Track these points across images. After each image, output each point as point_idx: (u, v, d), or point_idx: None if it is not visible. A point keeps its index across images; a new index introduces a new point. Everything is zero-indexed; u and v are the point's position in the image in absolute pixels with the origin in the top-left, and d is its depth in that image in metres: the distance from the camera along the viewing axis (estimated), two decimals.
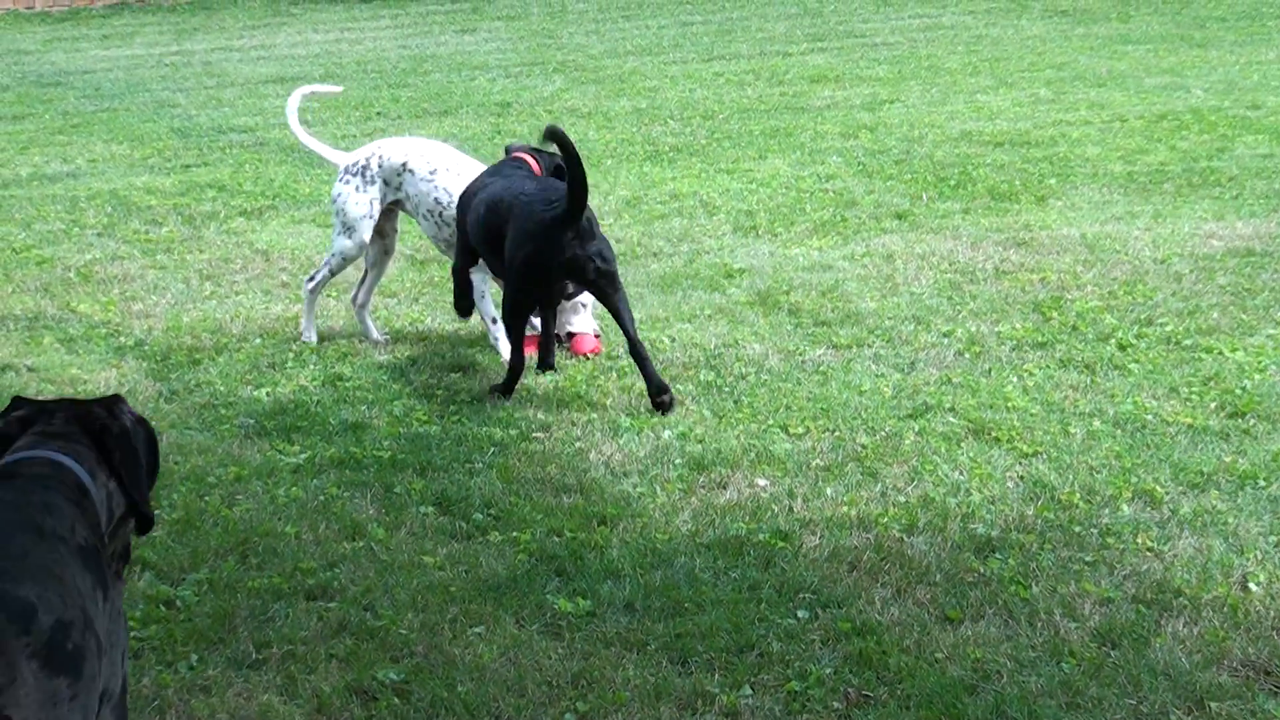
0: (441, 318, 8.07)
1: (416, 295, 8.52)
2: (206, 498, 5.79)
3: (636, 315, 6.93)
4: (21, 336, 7.80)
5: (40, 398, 3.47)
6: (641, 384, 6.66)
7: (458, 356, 7.43)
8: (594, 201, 10.60)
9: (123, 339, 7.80)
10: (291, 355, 7.51)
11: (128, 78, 16.36)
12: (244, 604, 4.90)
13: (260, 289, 8.70)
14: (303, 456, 6.20)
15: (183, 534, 5.45)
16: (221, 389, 7.06)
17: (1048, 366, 7.01)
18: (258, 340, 7.76)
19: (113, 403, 3.31)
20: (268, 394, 6.98)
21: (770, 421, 6.44)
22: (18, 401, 3.25)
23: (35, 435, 3.13)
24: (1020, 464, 5.92)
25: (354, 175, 7.63)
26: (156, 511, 5.57)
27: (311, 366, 7.35)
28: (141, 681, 4.44)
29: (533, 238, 6.48)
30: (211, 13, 21.36)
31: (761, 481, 5.83)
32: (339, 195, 7.68)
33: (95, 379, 7.16)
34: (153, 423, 6.35)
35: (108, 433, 3.20)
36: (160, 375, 7.26)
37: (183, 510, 5.66)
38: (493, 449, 6.21)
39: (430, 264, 9.10)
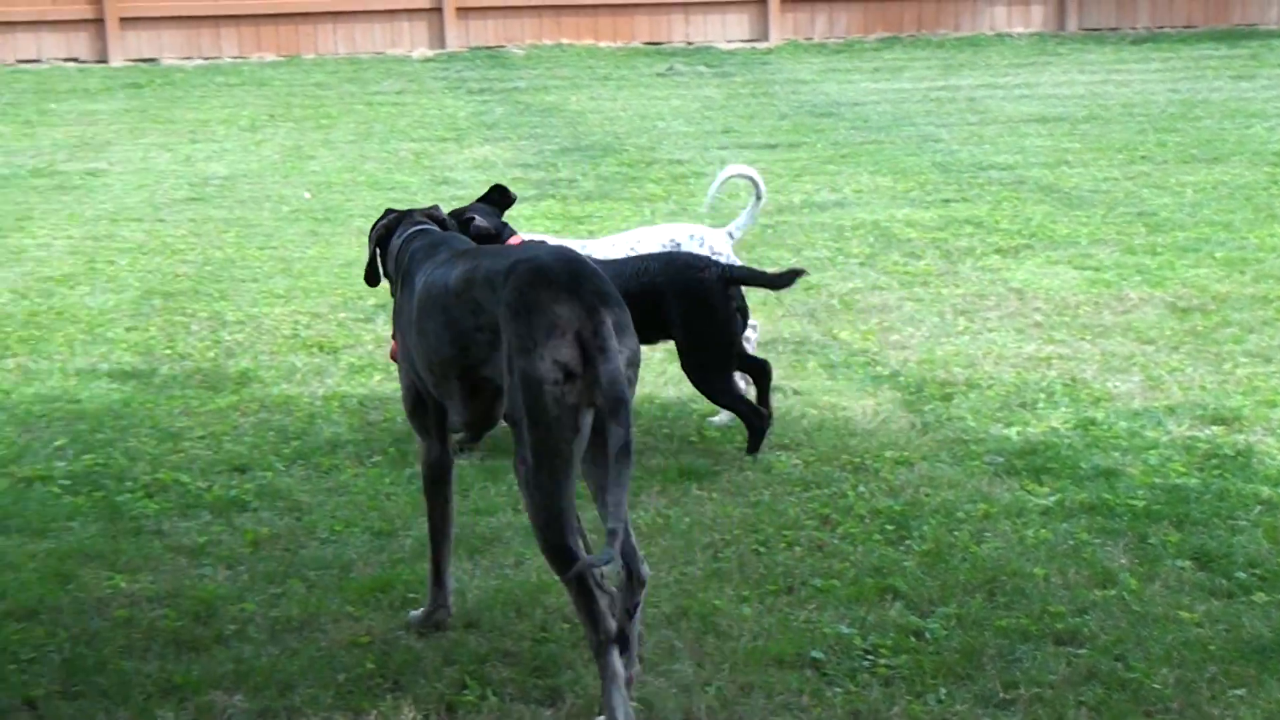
0: (1203, 369, 7.80)
1: (1177, 344, 8.26)
2: (955, 532, 5.84)
3: None
4: (789, 359, 8.14)
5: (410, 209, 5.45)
6: None
7: (1220, 409, 7.14)
8: None
9: (879, 368, 7.99)
10: (1043, 396, 7.45)
11: (894, 111, 16.78)
12: (991, 642, 4.91)
13: (1013, 327, 8.70)
14: (1052, 499, 6.15)
15: (932, 567, 5.53)
16: (972, 424, 7.11)
17: None
18: (1009, 378, 7.75)
19: (434, 208, 5.49)
20: (1018, 433, 6.96)
21: None
22: (388, 210, 5.44)
23: (408, 221, 5.33)
24: None
25: None
26: (908, 542, 5.76)
27: (1063, 409, 7.27)
28: (892, 710, 4.54)
29: None
30: (979, 49, 21.58)
31: None
32: None
33: (852, 406, 7.37)
34: (905, 454, 6.54)
35: (439, 219, 5.40)
36: (913, 407, 7.38)
37: (932, 543, 5.74)
38: (1259, 507, 5.93)
39: (1193, 313, 8.82)
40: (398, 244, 5.21)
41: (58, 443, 6.89)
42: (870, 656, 4.87)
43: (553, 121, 16.51)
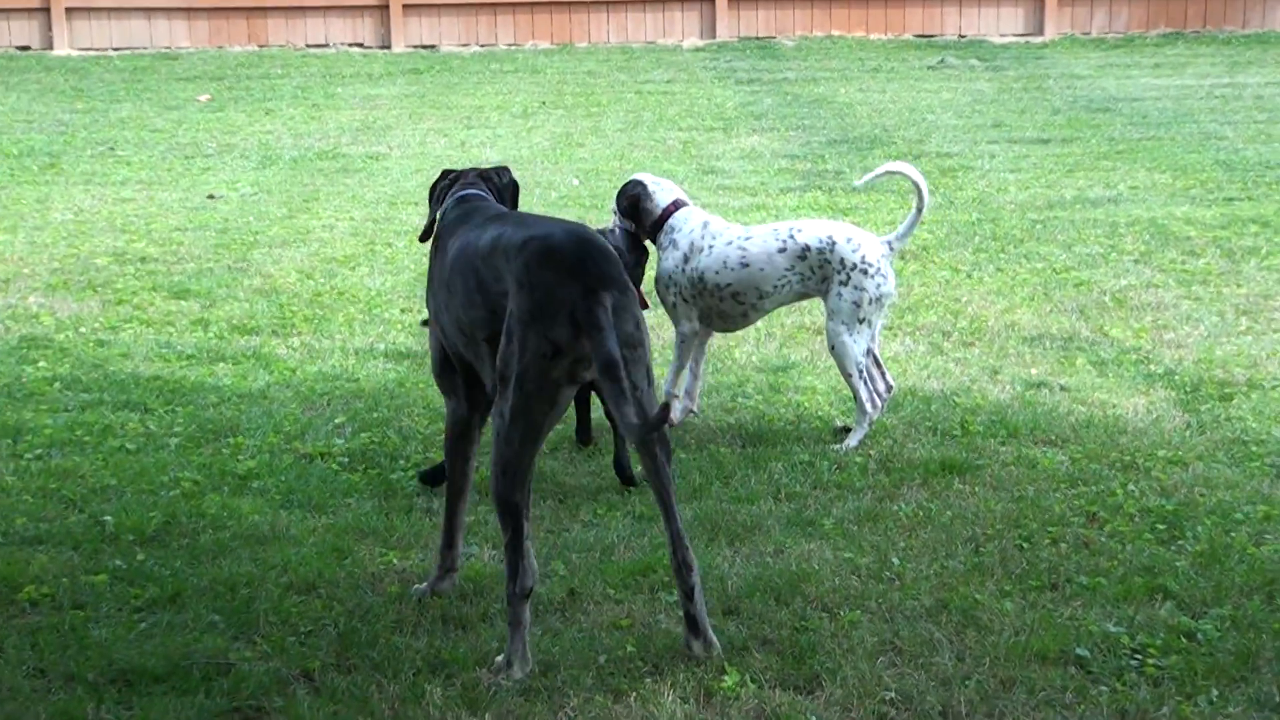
0: None
1: None
2: (1232, 534, 5.70)
3: None
4: (1057, 355, 8.01)
5: (466, 168, 5.68)
6: None
7: None
8: None
9: (1152, 366, 7.81)
10: None
11: (1175, 107, 16.33)
12: (1269, 645, 4.78)
13: None
14: None
15: (1206, 567, 5.39)
16: (1253, 425, 6.91)
17: None
18: None
19: (502, 169, 5.71)
20: None
21: None
22: (445, 171, 5.67)
23: (461, 183, 5.52)
24: None
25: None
26: (1180, 542, 5.62)
27: None
28: (1160, 710, 4.46)
29: None
30: (1267, 47, 20.83)
31: None
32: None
33: (1123, 404, 7.22)
34: (1178, 453, 6.38)
35: (491, 182, 5.57)
36: (1189, 406, 7.20)
37: (1206, 544, 5.60)
38: None
39: None
40: (442, 207, 5.49)
41: (337, 420, 7.12)
42: (1138, 656, 4.78)
43: (821, 113, 16.46)
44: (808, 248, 6.78)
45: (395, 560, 5.61)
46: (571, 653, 4.87)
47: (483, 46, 21.77)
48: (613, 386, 4.53)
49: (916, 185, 7.00)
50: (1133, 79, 18.46)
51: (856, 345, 6.76)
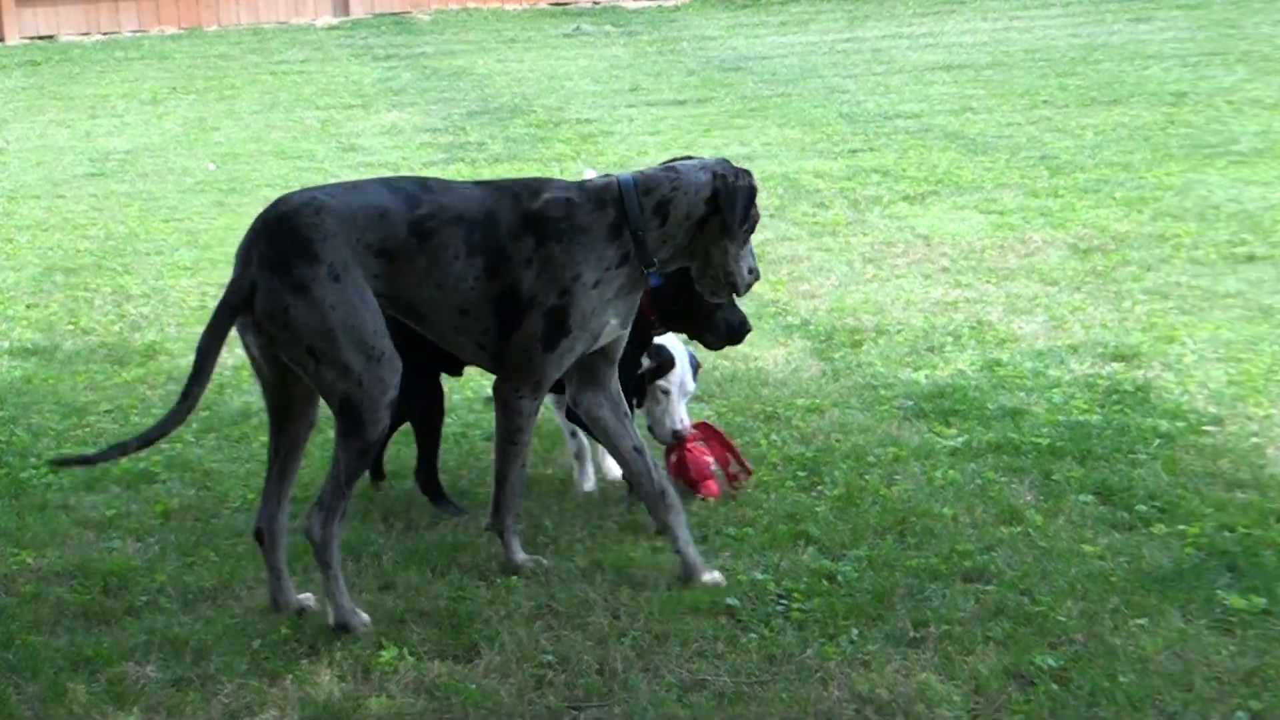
0: (1104, 308, 7.90)
1: (1079, 284, 8.37)
2: (866, 476, 5.89)
3: None
4: None
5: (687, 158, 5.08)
6: None
7: (1120, 346, 7.24)
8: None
9: (790, 318, 8.03)
10: (950, 340, 7.53)
11: (801, 64, 16.82)
12: (902, 582, 4.96)
13: (920, 273, 8.77)
14: (960, 440, 6.21)
15: (844, 511, 5.57)
16: (881, 370, 7.17)
17: None
18: (917, 323, 7.82)
19: (742, 172, 4.90)
20: (926, 377, 7.02)
21: None
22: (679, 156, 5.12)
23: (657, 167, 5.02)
24: None
25: None
26: (820, 488, 5.79)
27: (970, 352, 7.34)
28: (805, 653, 4.58)
29: None
30: (884, 1, 21.65)
31: None
32: None
33: (765, 356, 7.41)
34: (816, 401, 6.56)
35: (722, 178, 4.86)
36: (824, 355, 7.43)
37: (843, 487, 5.78)
38: (1158, 441, 6.03)
39: (1094, 253, 8.93)
40: None
41: None
42: (784, 601, 4.91)
43: (460, 85, 16.43)
44: None
45: (29, 559, 5.40)
46: (224, 639, 4.77)
47: (105, 35, 21.08)
48: (194, 377, 4.66)
49: None
50: (761, 38, 18.95)
51: None
